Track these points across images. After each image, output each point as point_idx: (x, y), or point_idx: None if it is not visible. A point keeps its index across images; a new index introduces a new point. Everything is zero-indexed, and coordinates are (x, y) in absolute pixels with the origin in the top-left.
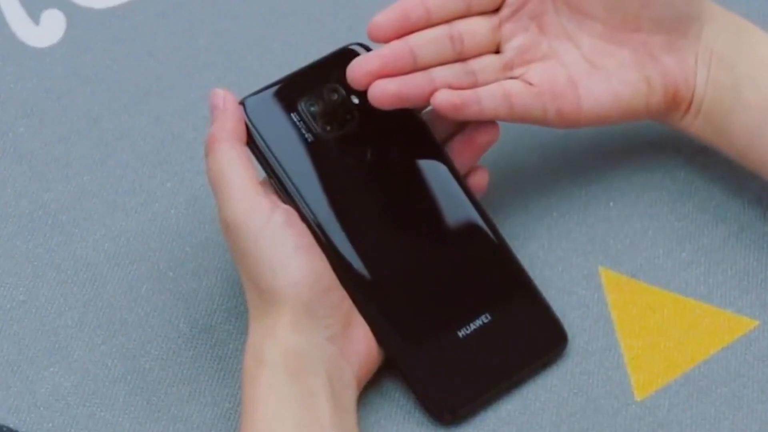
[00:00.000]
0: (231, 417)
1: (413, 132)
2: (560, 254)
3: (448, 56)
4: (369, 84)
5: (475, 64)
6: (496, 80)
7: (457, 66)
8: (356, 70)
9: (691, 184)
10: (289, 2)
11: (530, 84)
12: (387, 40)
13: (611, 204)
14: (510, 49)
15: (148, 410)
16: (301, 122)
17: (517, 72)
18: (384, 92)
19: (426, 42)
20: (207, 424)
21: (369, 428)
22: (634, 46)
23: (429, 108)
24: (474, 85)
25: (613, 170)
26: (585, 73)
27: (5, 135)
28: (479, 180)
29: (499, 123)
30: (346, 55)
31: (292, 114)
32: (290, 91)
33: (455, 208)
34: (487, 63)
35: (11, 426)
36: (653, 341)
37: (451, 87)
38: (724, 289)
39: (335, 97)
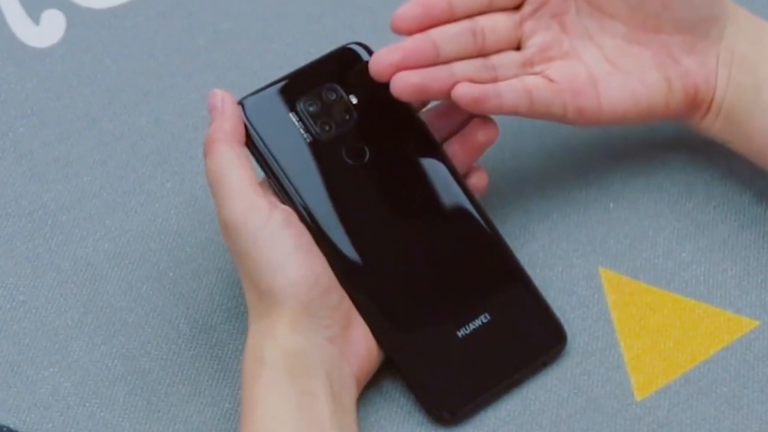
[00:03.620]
0: (231, 417)
1: (412, 132)
2: (560, 254)
3: (470, 51)
4: (391, 75)
5: (495, 59)
6: (516, 76)
7: (478, 61)
8: (379, 62)
9: (691, 185)
10: (289, 2)
11: (551, 80)
12: (409, 33)
13: (611, 205)
14: (531, 46)
15: (148, 410)
16: (300, 122)
17: (537, 69)
18: (406, 84)
19: (449, 36)
20: (207, 424)
21: (369, 428)
22: (655, 47)
23: (428, 107)
24: (494, 80)
25: (614, 171)
26: (606, 72)
27: (5, 135)
28: (478, 181)
29: (499, 123)
30: (344, 54)
31: (290, 114)
32: (289, 91)
33: (454, 209)
34: (508, 59)
35: (11, 426)
36: (653, 341)
37: (471, 81)
38: (724, 289)
39: (333, 97)
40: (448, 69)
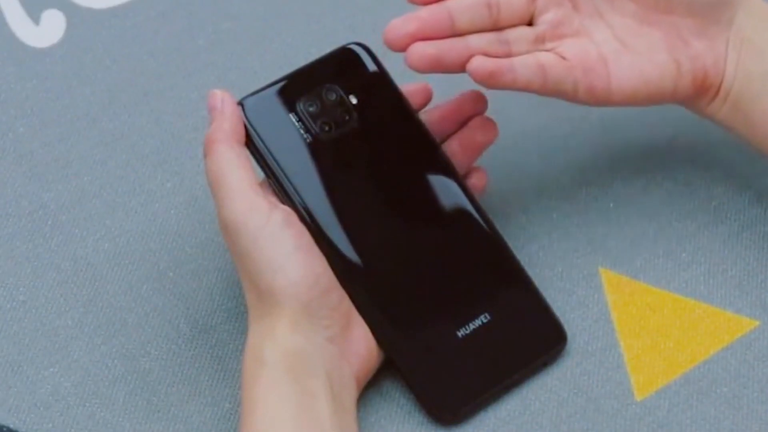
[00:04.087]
0: (231, 417)
1: (411, 132)
2: (560, 255)
3: (485, 23)
4: (406, 46)
5: (509, 34)
6: (528, 52)
7: (492, 35)
8: (394, 31)
9: (691, 185)
10: (289, 2)
11: (563, 57)
12: (425, 3)
13: (611, 205)
14: (543, 22)
15: (148, 410)
16: (300, 123)
17: (549, 45)
18: (423, 55)
19: (464, 7)
20: (207, 424)
21: (369, 428)
22: (665, 28)
23: (427, 108)
24: (508, 55)
25: (614, 171)
26: (615, 52)
27: (5, 135)
28: (478, 181)
29: (498, 123)
30: (344, 54)
31: (290, 114)
32: (289, 91)
33: (454, 209)
34: (521, 34)
35: (11, 426)
36: (653, 341)
37: (486, 55)
38: (724, 289)
39: (333, 97)
40: (463, 41)
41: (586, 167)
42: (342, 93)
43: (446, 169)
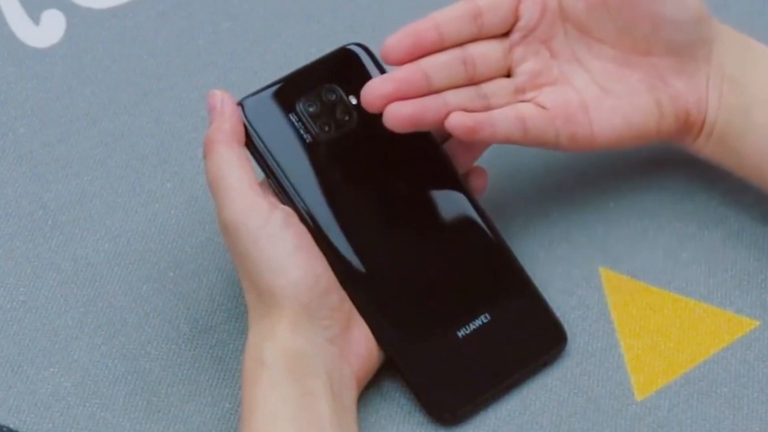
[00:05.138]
0: (231, 417)
1: (411, 132)
2: (560, 254)
3: (461, 80)
4: (383, 107)
5: (487, 87)
6: (508, 104)
7: (470, 89)
8: (370, 93)
9: (691, 184)
10: (289, 2)
11: (543, 108)
12: (400, 63)
13: (611, 204)
14: (521, 73)
15: (148, 410)
16: (300, 123)
17: (529, 95)
18: (399, 115)
19: (440, 65)
20: (207, 424)
21: (369, 428)
22: (644, 69)
23: None
24: (487, 109)
25: (614, 170)
26: (596, 97)
27: (5, 135)
28: (479, 181)
29: None
30: (344, 55)
31: (290, 115)
32: (288, 91)
33: (454, 209)
34: (499, 86)
35: (11, 426)
36: (653, 341)
37: (465, 110)
38: (724, 289)
39: (333, 97)
40: (441, 98)
41: (586, 167)
42: (342, 93)
43: (446, 169)
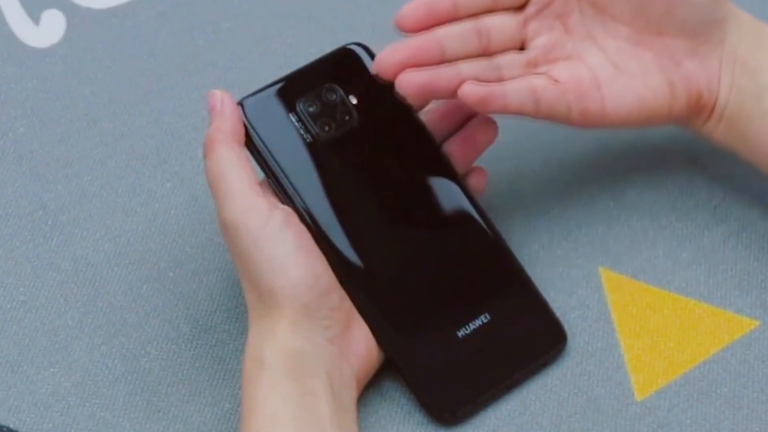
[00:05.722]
0: (231, 417)
1: (411, 132)
2: (560, 254)
3: (474, 51)
4: (396, 74)
5: (500, 59)
6: (521, 77)
7: (483, 61)
8: (384, 61)
9: (691, 184)
10: (288, 2)
11: (555, 81)
12: (414, 32)
13: (611, 204)
14: (535, 47)
15: (148, 410)
16: (300, 123)
17: (541, 69)
18: (412, 83)
19: (453, 35)
20: (207, 424)
21: (369, 428)
22: (657, 49)
23: (427, 108)
24: (499, 80)
25: (614, 170)
26: (609, 75)
27: (5, 135)
28: (478, 180)
29: (498, 123)
30: (344, 55)
31: (290, 114)
32: (288, 91)
33: (454, 209)
34: (513, 59)
35: (11, 426)
36: (653, 341)
37: (477, 80)
38: (724, 289)
39: (333, 97)
40: (454, 68)
41: (586, 167)
42: (342, 93)
43: (446, 169)
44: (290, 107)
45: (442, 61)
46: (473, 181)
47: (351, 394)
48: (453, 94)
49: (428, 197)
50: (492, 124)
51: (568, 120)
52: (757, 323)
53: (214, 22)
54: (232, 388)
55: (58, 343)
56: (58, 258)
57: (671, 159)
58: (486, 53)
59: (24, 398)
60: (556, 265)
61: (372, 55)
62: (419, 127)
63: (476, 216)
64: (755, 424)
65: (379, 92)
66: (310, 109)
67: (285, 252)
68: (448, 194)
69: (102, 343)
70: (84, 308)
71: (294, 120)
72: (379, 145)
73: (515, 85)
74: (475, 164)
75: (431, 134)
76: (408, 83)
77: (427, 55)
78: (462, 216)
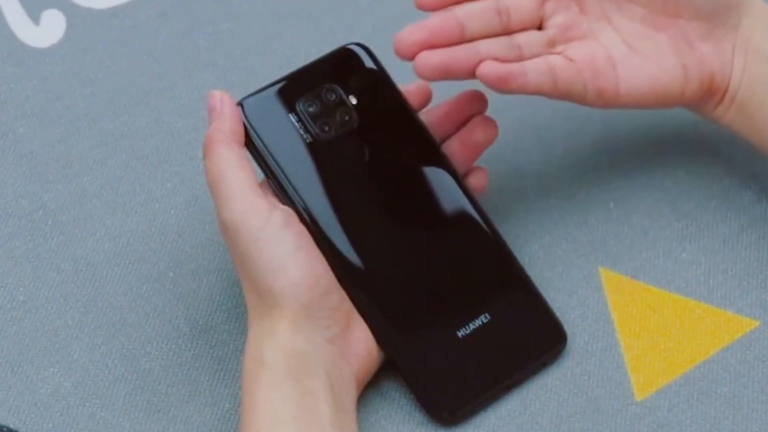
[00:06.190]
0: (231, 417)
1: (411, 132)
2: (560, 254)
3: (494, 29)
4: (415, 54)
5: (519, 38)
6: (540, 55)
7: (503, 39)
8: (403, 40)
9: (691, 184)
10: (289, 2)
11: (572, 60)
12: (434, 9)
13: (611, 204)
14: (552, 26)
15: (148, 410)
16: (299, 123)
17: (558, 48)
18: (429, 63)
19: (474, 14)
20: (207, 424)
21: (369, 428)
22: (672, 32)
23: (427, 108)
24: (519, 59)
25: (614, 170)
26: (624, 55)
27: (5, 135)
28: (479, 180)
29: (498, 123)
30: (344, 55)
31: (290, 115)
32: (288, 91)
33: (454, 209)
34: (532, 38)
35: (11, 426)
36: (653, 341)
37: (496, 60)
38: (724, 289)
39: (333, 97)
40: (473, 47)
41: (586, 167)
42: (342, 93)
43: (446, 169)
44: (290, 107)
45: (462, 40)
46: (474, 181)
47: (351, 394)
48: (472, 74)
49: (428, 197)
50: (492, 124)
51: (584, 99)
52: (757, 323)
53: (214, 22)
54: (232, 388)
55: (58, 343)
56: (58, 258)
57: (671, 159)
58: (506, 32)
59: (24, 398)
60: (556, 265)
61: (372, 55)
62: (419, 127)
63: (476, 216)
64: (755, 424)
65: (379, 92)
66: (310, 110)
67: (285, 252)
68: (448, 194)
69: (102, 343)
70: (84, 308)
71: (294, 120)
72: (379, 145)
73: (535, 64)
74: (475, 164)
75: (431, 134)
76: (426, 63)
77: (446, 34)
78: (462, 216)
